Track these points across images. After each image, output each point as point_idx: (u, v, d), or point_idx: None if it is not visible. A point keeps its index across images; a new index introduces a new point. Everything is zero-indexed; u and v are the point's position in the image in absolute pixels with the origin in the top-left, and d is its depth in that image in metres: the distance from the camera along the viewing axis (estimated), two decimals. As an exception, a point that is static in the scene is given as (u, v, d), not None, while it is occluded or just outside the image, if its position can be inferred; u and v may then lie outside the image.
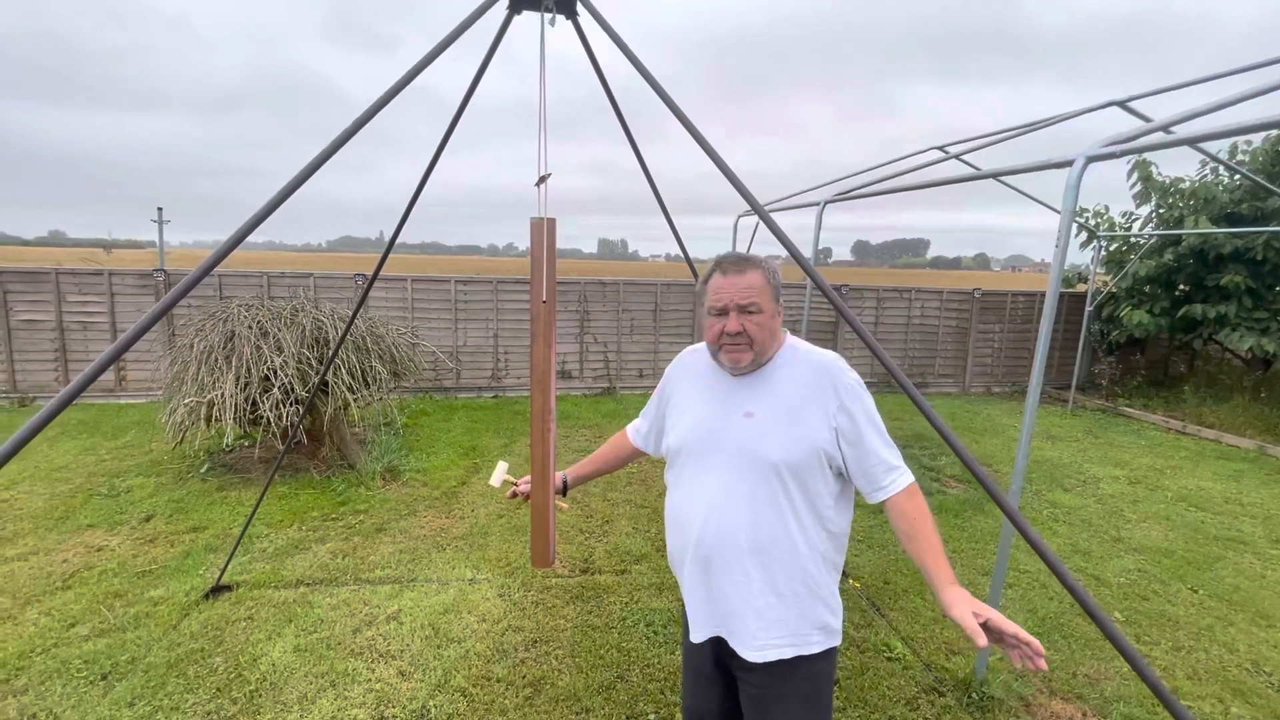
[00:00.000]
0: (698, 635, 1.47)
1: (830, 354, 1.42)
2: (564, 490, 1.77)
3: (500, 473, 1.72)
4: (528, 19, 1.57)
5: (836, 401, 1.34)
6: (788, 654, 1.39)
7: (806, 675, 1.41)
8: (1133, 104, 4.06)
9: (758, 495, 1.35)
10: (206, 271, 1.09)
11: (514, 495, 1.73)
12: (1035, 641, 1.10)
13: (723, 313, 1.37)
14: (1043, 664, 1.10)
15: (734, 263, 1.38)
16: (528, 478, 1.69)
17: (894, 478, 1.34)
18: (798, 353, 1.42)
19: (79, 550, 3.55)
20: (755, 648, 1.39)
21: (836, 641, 1.44)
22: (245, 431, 4.59)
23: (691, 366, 1.56)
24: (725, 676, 1.53)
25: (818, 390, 1.36)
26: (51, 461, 4.94)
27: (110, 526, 3.85)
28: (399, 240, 2.66)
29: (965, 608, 1.16)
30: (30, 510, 4.05)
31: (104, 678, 2.53)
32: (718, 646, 1.49)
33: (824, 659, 1.43)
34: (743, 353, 1.38)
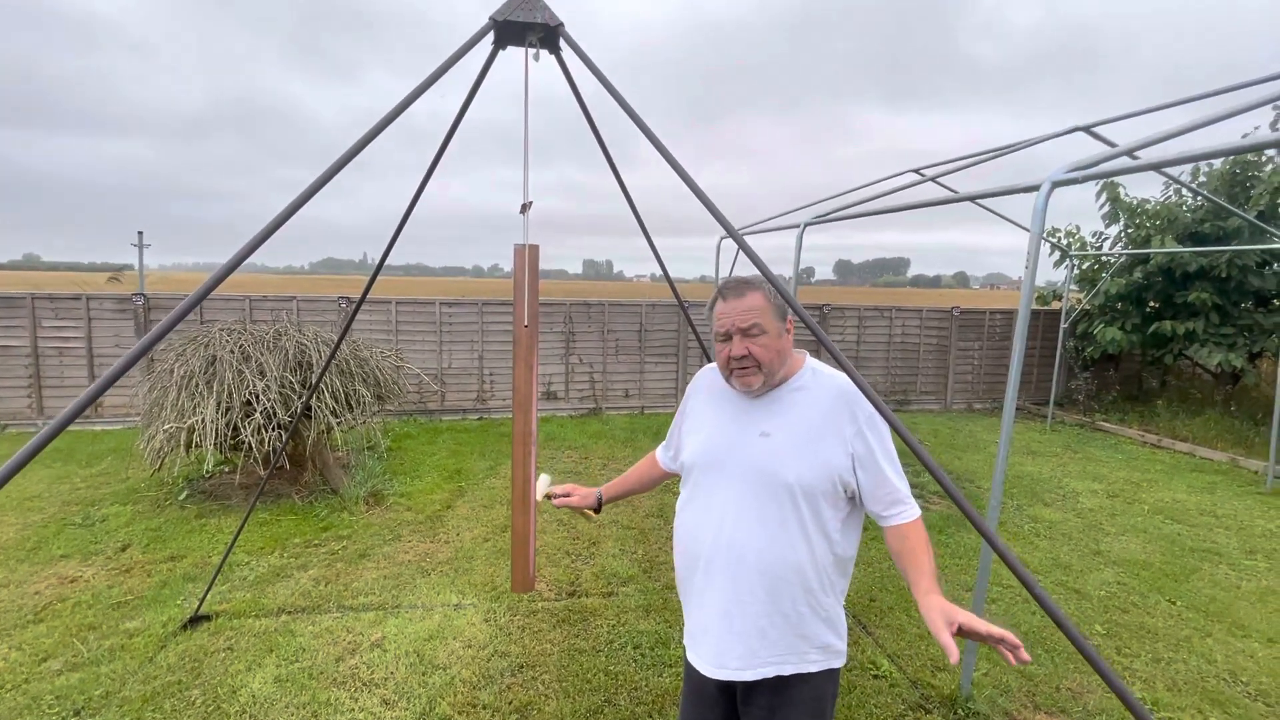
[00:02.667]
0: (695, 652, 1.46)
1: (849, 379, 1.40)
2: (598, 507, 1.77)
3: (543, 486, 1.70)
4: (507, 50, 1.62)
5: (854, 427, 1.34)
6: (786, 671, 1.39)
7: (810, 695, 1.41)
8: (1097, 129, 4.23)
9: (769, 515, 1.36)
10: (205, 295, 1.10)
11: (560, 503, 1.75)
12: (1009, 635, 1.08)
13: (727, 338, 1.39)
14: (1025, 655, 1.07)
15: (733, 287, 1.40)
16: (568, 487, 1.72)
17: (901, 509, 1.35)
18: (818, 375, 1.42)
19: (51, 582, 3.46)
20: (754, 665, 1.38)
21: (839, 662, 1.44)
22: (226, 457, 4.53)
23: (709, 384, 1.56)
24: (728, 698, 1.51)
25: (836, 414, 1.35)
26: (23, 490, 4.82)
27: (84, 557, 3.77)
28: (384, 263, 2.68)
29: (939, 618, 1.14)
30: (0, 541, 3.94)
31: (77, 714, 2.46)
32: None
33: (826, 678, 1.43)
34: (752, 376, 1.38)
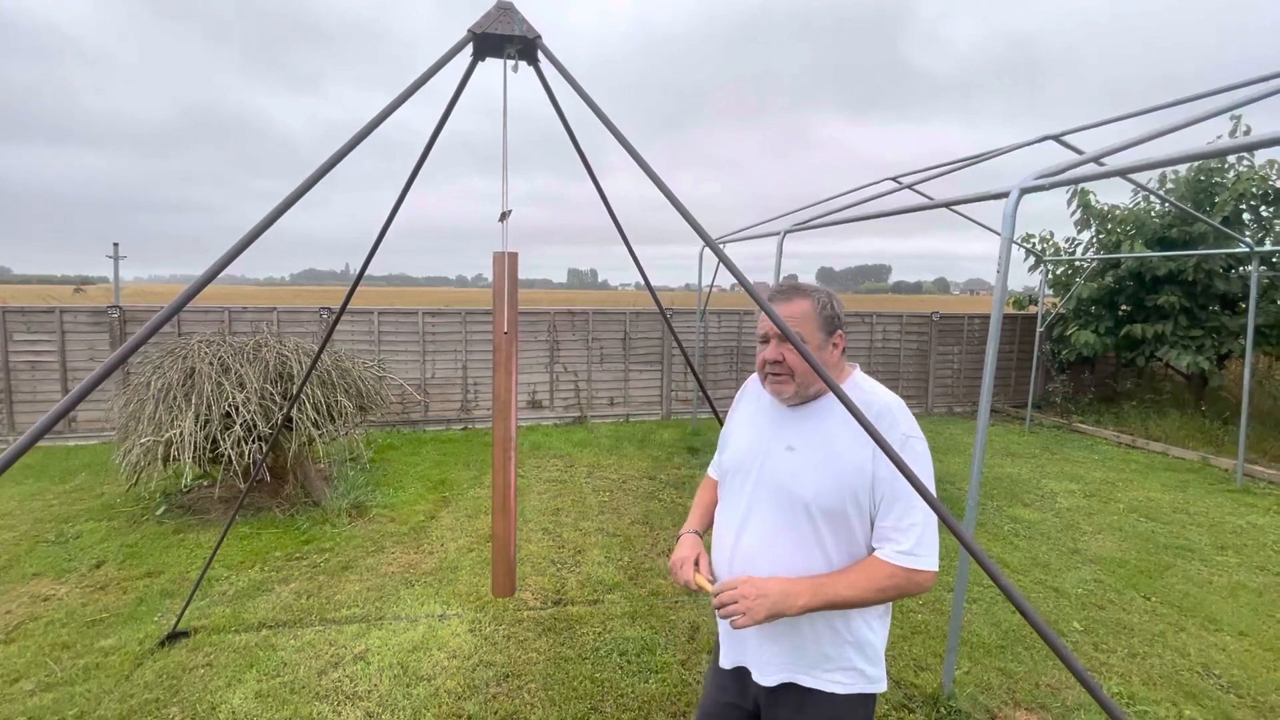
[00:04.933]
0: (726, 661, 1.46)
1: (892, 398, 1.35)
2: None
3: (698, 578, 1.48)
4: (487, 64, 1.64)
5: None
6: (803, 682, 1.34)
7: (830, 716, 1.35)
8: (1066, 138, 4.35)
9: (784, 530, 1.33)
10: (183, 305, 1.11)
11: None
12: (720, 599, 1.26)
13: (765, 340, 1.37)
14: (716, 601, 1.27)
15: (782, 291, 1.39)
16: (698, 562, 1.50)
17: (891, 548, 1.26)
18: (860, 389, 1.36)
19: (23, 601, 3.38)
20: (769, 672, 1.36)
21: (870, 688, 1.36)
22: (205, 471, 4.46)
23: (753, 391, 1.54)
24: (749, 715, 1.48)
25: (865, 434, 1.26)
26: (-6, 508, 4.71)
27: (58, 575, 3.68)
28: (366, 273, 2.68)
29: (758, 579, 1.28)
30: (-30, 560, 3.85)
31: (50, 734, 2.41)
32: (744, 681, 1.46)
33: (854, 704, 1.36)
34: (784, 383, 1.35)
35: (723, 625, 1.47)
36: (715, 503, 1.65)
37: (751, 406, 1.52)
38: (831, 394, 1.35)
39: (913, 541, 1.26)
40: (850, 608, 1.28)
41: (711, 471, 1.70)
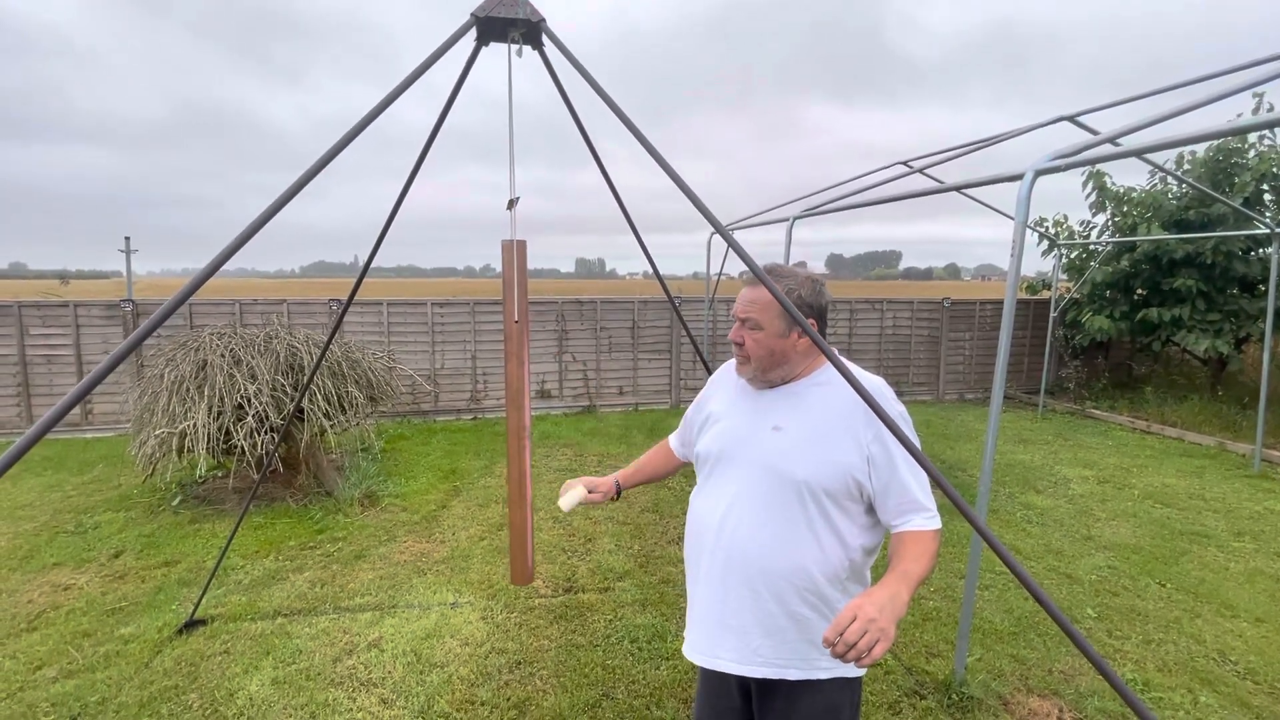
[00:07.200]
0: (690, 640, 1.44)
1: (876, 380, 1.35)
2: (617, 495, 1.70)
3: (574, 499, 1.59)
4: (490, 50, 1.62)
5: (873, 430, 1.28)
6: (791, 675, 1.34)
7: (822, 706, 1.36)
8: (1081, 119, 4.26)
9: (775, 512, 1.32)
10: (184, 299, 1.10)
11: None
12: (846, 640, 1.03)
13: (735, 321, 1.43)
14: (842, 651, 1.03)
15: (753, 277, 1.42)
16: (582, 485, 1.64)
17: (920, 517, 1.27)
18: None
19: (45, 590, 3.45)
20: (753, 662, 1.35)
21: (854, 672, 1.35)
22: (219, 461, 4.51)
23: (731, 376, 1.55)
24: (745, 705, 1.47)
25: (854, 415, 1.30)
26: (14, 500, 4.79)
27: (78, 564, 3.75)
28: (375, 264, 2.68)
29: (861, 600, 1.07)
30: (-8, 551, 3.92)
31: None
32: (723, 675, 1.44)
33: (840, 688, 1.36)
34: (742, 364, 1.42)
35: (694, 610, 1.45)
36: (662, 469, 1.73)
37: (728, 392, 1.52)
38: (818, 375, 1.39)
39: (933, 510, 1.29)
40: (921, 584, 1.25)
41: (675, 448, 1.72)
